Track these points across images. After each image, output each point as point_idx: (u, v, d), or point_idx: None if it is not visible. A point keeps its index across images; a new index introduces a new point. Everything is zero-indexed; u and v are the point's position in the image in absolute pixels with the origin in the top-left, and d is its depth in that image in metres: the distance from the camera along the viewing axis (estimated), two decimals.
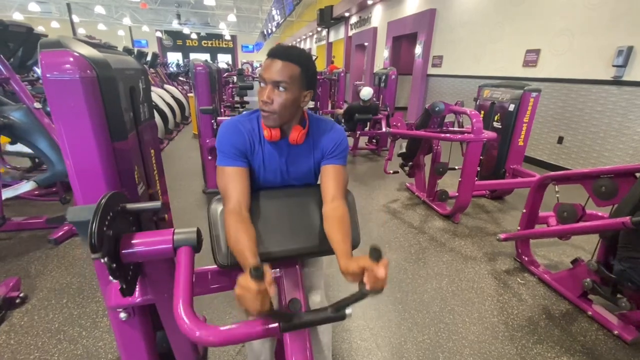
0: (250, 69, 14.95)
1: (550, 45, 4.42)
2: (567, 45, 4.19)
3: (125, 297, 0.79)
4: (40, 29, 2.53)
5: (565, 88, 4.26)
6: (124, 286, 0.76)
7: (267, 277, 0.64)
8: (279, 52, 0.88)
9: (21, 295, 1.79)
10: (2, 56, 2.19)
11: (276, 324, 0.70)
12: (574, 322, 1.76)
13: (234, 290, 0.65)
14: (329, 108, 7.74)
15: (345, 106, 4.84)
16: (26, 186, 2.21)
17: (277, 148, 0.99)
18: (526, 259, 2.25)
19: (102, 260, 0.68)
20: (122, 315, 0.99)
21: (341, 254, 0.82)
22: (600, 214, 1.93)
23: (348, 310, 0.71)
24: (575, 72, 4.13)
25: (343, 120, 4.89)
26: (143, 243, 0.78)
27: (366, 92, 4.49)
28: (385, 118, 5.04)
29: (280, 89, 0.88)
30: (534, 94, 2.98)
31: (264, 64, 0.92)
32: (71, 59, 0.81)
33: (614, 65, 3.63)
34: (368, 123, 5.30)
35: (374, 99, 4.98)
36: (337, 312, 0.71)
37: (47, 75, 0.80)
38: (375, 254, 0.71)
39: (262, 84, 0.91)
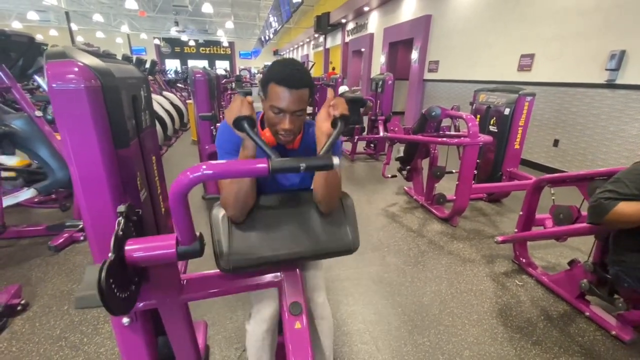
0: (248, 75, 15.03)
1: (544, 50, 4.49)
2: (560, 49, 4.26)
3: (118, 315, 0.78)
4: (39, 37, 2.56)
5: (560, 92, 4.32)
6: (121, 297, 0.75)
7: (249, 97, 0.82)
8: (294, 81, 0.87)
9: (22, 302, 1.79)
10: (4, 65, 2.22)
11: (265, 163, 0.69)
12: (572, 323, 1.78)
13: (225, 111, 0.76)
14: None
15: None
16: (26, 194, 2.22)
17: (275, 150, 1.02)
18: (524, 260, 2.27)
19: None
20: (125, 320, 1.00)
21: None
22: None
23: (336, 160, 0.72)
24: (569, 76, 4.19)
25: None
26: (147, 248, 0.79)
27: (342, 89, 5.61)
28: (383, 122, 5.08)
29: (298, 113, 0.91)
30: (528, 98, 3.03)
31: (277, 92, 0.88)
32: (76, 69, 0.84)
33: (607, 69, 3.69)
34: (365, 125, 5.34)
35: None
36: (325, 159, 0.72)
37: (53, 85, 0.82)
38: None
39: (279, 114, 0.91)
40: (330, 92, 0.91)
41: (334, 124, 0.86)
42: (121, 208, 0.77)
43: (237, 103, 0.82)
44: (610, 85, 3.72)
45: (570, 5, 4.10)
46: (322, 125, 0.88)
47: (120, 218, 0.76)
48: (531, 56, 4.68)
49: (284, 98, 0.88)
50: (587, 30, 3.92)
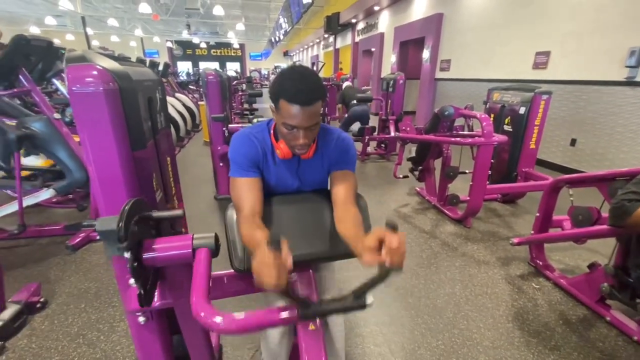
0: (258, 77, 15.16)
1: (561, 47, 4.38)
2: (577, 46, 4.15)
3: (144, 305, 0.79)
4: (56, 41, 2.63)
5: (578, 89, 4.21)
6: (142, 292, 0.78)
7: (283, 249, 0.65)
8: (306, 99, 0.83)
9: (41, 300, 1.84)
10: (24, 69, 2.28)
11: (294, 312, 0.68)
12: (592, 327, 1.72)
13: (252, 266, 0.65)
14: (337, 114, 7.80)
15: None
16: (45, 194, 2.27)
17: (289, 162, 1.01)
18: (541, 263, 2.21)
19: (126, 255, 0.69)
20: (141, 319, 1.02)
21: (358, 242, 0.79)
22: None
23: (369, 300, 0.68)
24: (587, 74, 4.08)
25: (346, 115, 5.08)
26: (164, 248, 0.80)
27: (346, 84, 6.00)
28: (394, 122, 5.04)
29: (312, 128, 0.88)
30: (544, 96, 2.96)
31: (288, 110, 0.84)
32: (95, 72, 0.85)
33: (626, 66, 3.58)
34: (376, 125, 5.33)
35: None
36: (358, 300, 0.68)
37: (73, 88, 0.84)
38: (391, 226, 0.69)
39: (293, 130, 0.87)
40: (395, 239, 0.67)
41: (382, 272, 0.68)
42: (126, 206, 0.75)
43: (272, 272, 0.62)
44: (630, 82, 3.60)
45: (587, 1, 3.99)
46: (367, 256, 0.70)
47: (127, 207, 0.74)
48: (547, 53, 4.57)
49: (296, 116, 0.84)
50: (605, 26, 3.81)
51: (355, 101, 4.94)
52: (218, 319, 0.63)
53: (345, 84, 5.91)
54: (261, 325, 0.69)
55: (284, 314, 0.68)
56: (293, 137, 0.89)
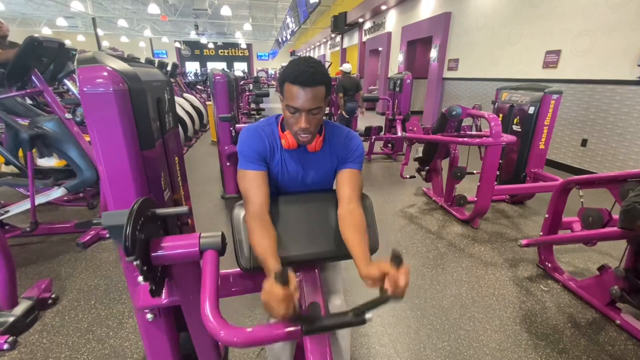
0: (265, 77, 15.20)
1: (572, 46, 4.31)
2: (589, 45, 4.08)
3: (154, 297, 0.82)
4: (67, 42, 2.68)
5: (589, 89, 4.14)
6: (154, 287, 0.80)
7: (291, 282, 0.66)
8: (308, 79, 0.86)
9: (52, 296, 1.88)
10: (36, 70, 2.33)
11: (298, 327, 0.71)
12: (602, 331, 1.70)
13: (260, 295, 0.68)
14: (339, 111, 7.77)
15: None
16: (57, 192, 2.31)
17: (296, 155, 1.02)
18: (549, 265, 2.19)
19: (135, 263, 0.72)
20: (149, 316, 1.03)
21: (360, 258, 0.83)
22: None
23: (368, 315, 0.71)
24: (598, 73, 4.01)
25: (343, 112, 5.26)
26: (171, 246, 0.82)
27: (346, 67, 5.56)
28: (401, 122, 5.02)
29: (314, 112, 0.90)
30: (555, 96, 2.92)
31: (291, 91, 0.87)
32: (105, 74, 0.87)
33: (639, 65, 3.51)
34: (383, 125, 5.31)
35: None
36: (357, 317, 0.72)
37: (84, 89, 0.86)
38: (397, 260, 0.71)
39: (295, 113, 0.90)
40: (402, 278, 0.71)
41: (383, 298, 0.72)
42: (135, 205, 0.76)
43: (281, 306, 0.65)
44: None
45: (598, 0, 3.93)
46: (369, 283, 0.77)
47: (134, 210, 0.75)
48: (557, 52, 4.50)
49: (298, 97, 0.87)
50: (617, 25, 3.74)
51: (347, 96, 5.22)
52: (228, 333, 0.69)
53: (345, 66, 5.64)
54: (268, 339, 0.74)
55: (289, 330, 0.72)
56: (296, 121, 0.91)
